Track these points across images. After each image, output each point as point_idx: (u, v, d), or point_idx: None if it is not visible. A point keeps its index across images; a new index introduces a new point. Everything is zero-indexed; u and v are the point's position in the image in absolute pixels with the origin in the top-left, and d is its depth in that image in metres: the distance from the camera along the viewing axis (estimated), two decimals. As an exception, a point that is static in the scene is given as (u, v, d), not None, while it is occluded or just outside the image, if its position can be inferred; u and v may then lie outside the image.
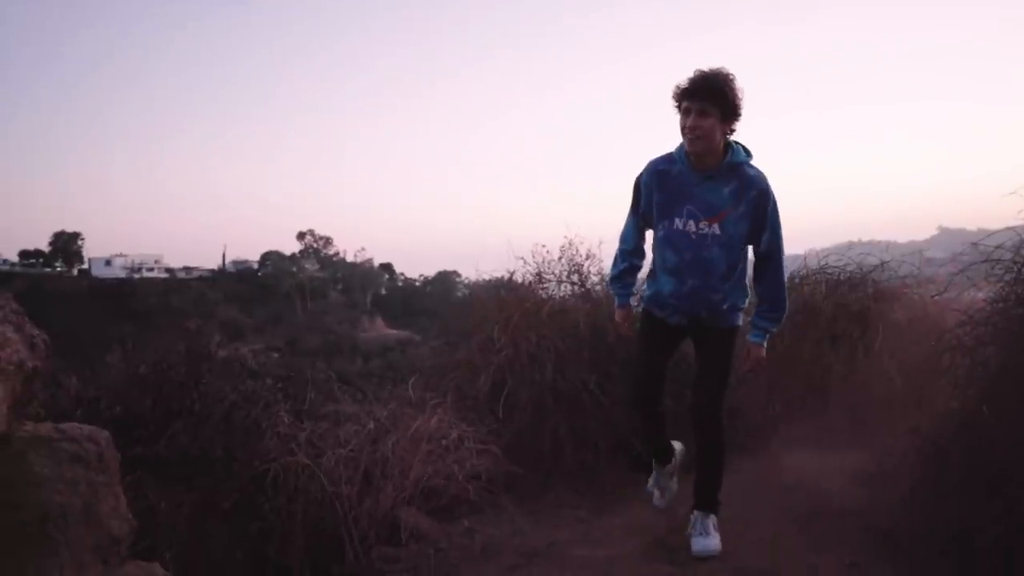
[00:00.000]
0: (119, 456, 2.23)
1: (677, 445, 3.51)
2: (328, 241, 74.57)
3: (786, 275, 3.17)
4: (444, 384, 4.43)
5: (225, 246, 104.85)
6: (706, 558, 3.05)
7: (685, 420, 3.29)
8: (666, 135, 3.23)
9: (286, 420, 3.59)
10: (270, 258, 71.63)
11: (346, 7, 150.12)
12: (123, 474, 2.30)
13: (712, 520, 3.15)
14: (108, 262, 67.40)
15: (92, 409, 3.29)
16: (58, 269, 67.29)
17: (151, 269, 69.00)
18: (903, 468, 3.07)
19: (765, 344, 3.18)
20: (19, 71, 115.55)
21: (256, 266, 72.50)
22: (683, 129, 2.99)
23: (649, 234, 3.29)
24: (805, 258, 5.07)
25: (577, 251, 4.97)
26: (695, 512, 3.17)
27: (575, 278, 4.97)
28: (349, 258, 74.92)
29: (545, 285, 4.97)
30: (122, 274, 65.76)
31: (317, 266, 72.53)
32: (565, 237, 4.99)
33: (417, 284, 75.73)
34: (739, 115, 2.97)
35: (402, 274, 78.25)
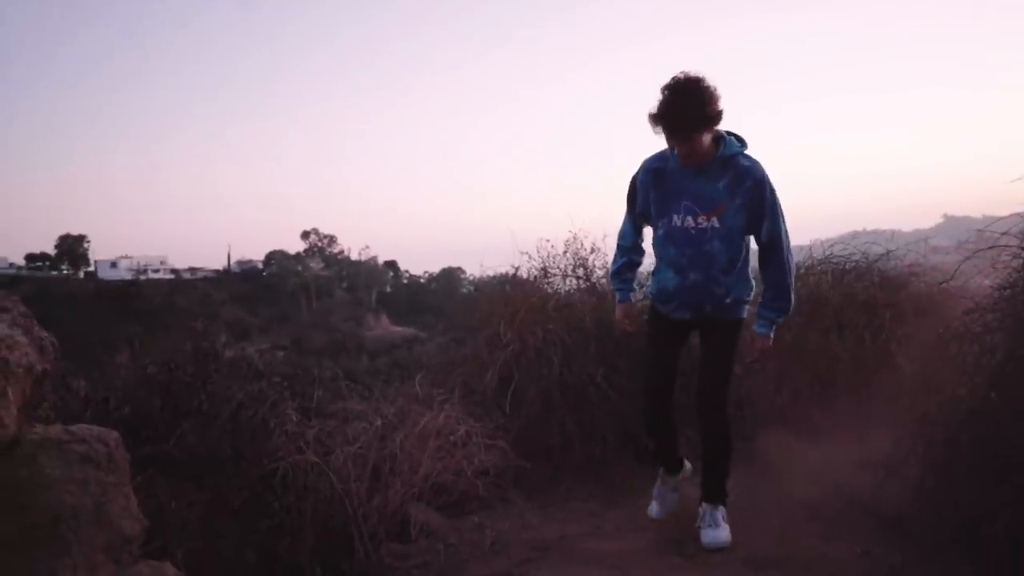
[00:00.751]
0: (129, 456, 2.25)
1: (687, 464, 3.47)
2: (332, 240, 74.70)
3: (793, 263, 3.15)
4: (451, 380, 4.45)
5: (230, 246, 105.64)
6: (716, 549, 3.06)
7: (691, 412, 3.30)
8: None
9: (294, 418, 3.59)
10: (275, 258, 71.79)
11: (342, 3, 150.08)
12: (133, 474, 2.31)
13: (721, 511, 3.15)
14: (114, 264, 67.65)
15: (101, 410, 3.30)
16: (64, 272, 67.52)
17: (156, 270, 69.26)
18: (912, 456, 3.07)
19: (772, 334, 3.17)
20: (19, 73, 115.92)
21: (261, 266, 72.68)
22: (671, 148, 3.00)
23: (648, 232, 3.29)
24: (811, 248, 5.07)
25: (582, 245, 4.98)
26: (703, 504, 3.18)
27: (580, 272, 4.97)
28: (354, 256, 75.07)
29: (550, 280, 4.98)
30: (128, 276, 65.97)
31: (322, 265, 72.61)
32: (569, 231, 5.01)
33: (422, 281, 75.80)
34: (721, 117, 2.90)
35: (407, 271, 78.33)
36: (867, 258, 4.91)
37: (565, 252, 5.00)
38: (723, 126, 2.96)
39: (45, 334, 2.20)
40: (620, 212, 3.39)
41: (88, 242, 68.97)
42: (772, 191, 3.01)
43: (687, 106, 2.81)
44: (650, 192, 3.13)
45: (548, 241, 5.03)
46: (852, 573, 2.80)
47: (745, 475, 3.54)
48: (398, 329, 59.40)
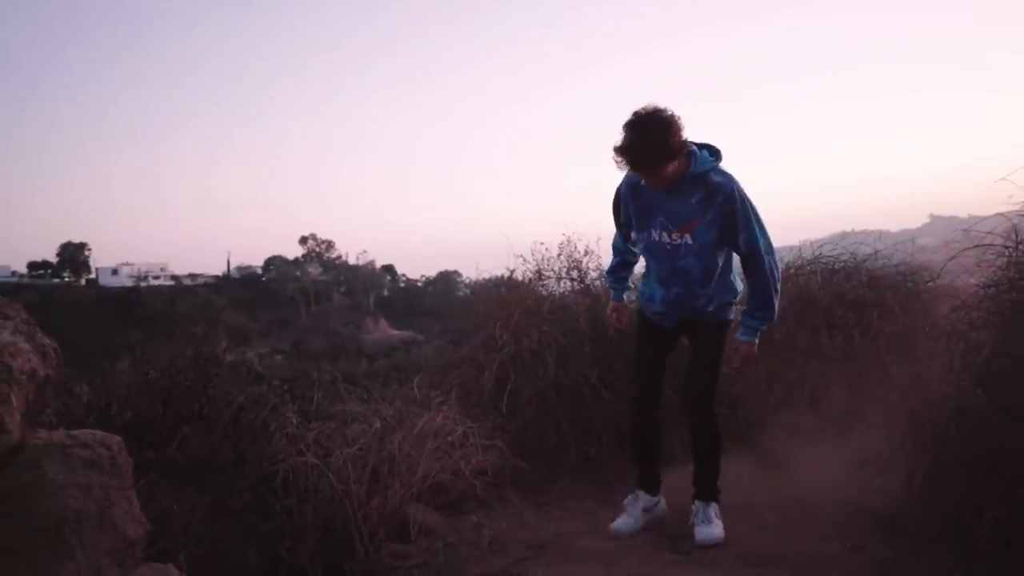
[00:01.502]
0: (131, 461, 2.28)
1: (663, 500, 3.41)
2: (330, 245, 74.48)
3: (779, 270, 3.13)
4: (448, 382, 4.49)
5: (229, 252, 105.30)
6: (710, 546, 3.10)
7: (680, 411, 3.35)
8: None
9: (294, 421, 3.63)
10: (274, 263, 71.64)
11: (338, 12, 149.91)
12: (136, 478, 2.34)
13: (714, 508, 3.20)
14: (115, 271, 67.50)
15: (104, 415, 3.33)
16: (66, 279, 67.39)
17: (157, 277, 69.08)
18: (901, 453, 3.10)
19: (756, 341, 3.19)
20: (19, 82, 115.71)
21: (260, 271, 72.55)
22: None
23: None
24: (800, 249, 5.11)
25: (576, 248, 5.03)
26: (696, 502, 3.22)
27: (574, 274, 5.02)
28: (351, 261, 74.80)
29: (545, 282, 5.03)
30: (129, 283, 65.77)
31: (320, 270, 72.45)
32: (563, 234, 5.05)
33: (419, 285, 75.56)
34: (685, 148, 2.93)
35: (404, 275, 78.10)
36: (855, 258, 4.95)
37: (559, 255, 5.06)
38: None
39: (47, 341, 2.23)
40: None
41: (89, 250, 68.81)
42: (744, 203, 3.00)
43: (649, 141, 2.85)
44: (631, 205, 3.18)
45: (543, 244, 5.08)
46: (844, 568, 2.82)
47: (738, 473, 3.57)
48: (396, 332, 59.23)
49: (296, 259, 72.36)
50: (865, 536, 3.01)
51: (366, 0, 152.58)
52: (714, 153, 3.04)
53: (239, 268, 73.42)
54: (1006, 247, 3.06)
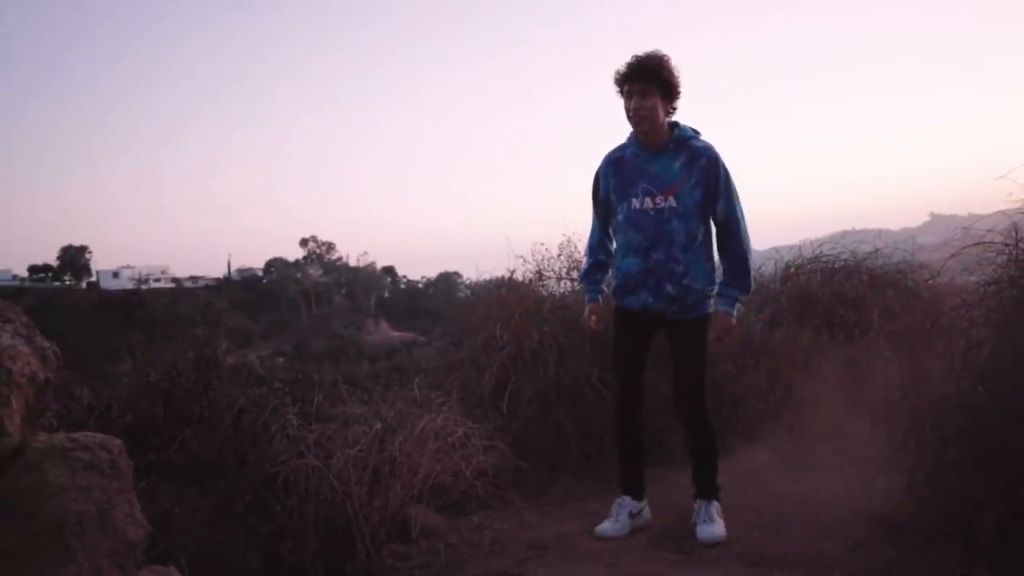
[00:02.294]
0: (132, 463, 2.27)
1: (647, 509, 3.41)
2: (331, 246, 74.68)
3: (751, 245, 3.27)
4: (449, 383, 4.48)
5: (230, 254, 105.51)
6: (712, 544, 3.10)
7: (670, 409, 3.37)
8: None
9: (295, 423, 3.62)
10: (274, 265, 71.78)
11: (336, 14, 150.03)
12: (137, 481, 2.33)
13: (715, 507, 3.20)
14: (116, 274, 67.63)
15: (104, 418, 3.33)
16: (67, 283, 67.47)
17: (158, 280, 69.22)
18: (903, 452, 3.10)
19: (735, 312, 3.27)
20: (19, 84, 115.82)
21: (261, 273, 72.69)
22: (628, 112, 3.16)
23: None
24: (801, 248, 5.12)
25: (576, 248, 5.02)
26: (697, 501, 3.23)
27: (574, 275, 5.01)
28: (352, 262, 74.96)
29: (545, 282, 5.03)
30: (130, 285, 65.94)
31: (321, 271, 72.56)
32: (563, 235, 5.06)
33: (420, 286, 75.67)
34: (678, 93, 3.16)
35: (404, 276, 78.30)
36: (856, 257, 4.96)
37: (559, 255, 5.07)
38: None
39: (47, 344, 2.23)
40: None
41: (90, 253, 68.98)
42: (726, 172, 3.19)
43: (650, 60, 3.12)
44: (611, 180, 3.29)
45: (543, 244, 5.09)
46: (846, 567, 2.82)
47: (740, 472, 3.58)
48: (397, 334, 59.30)
49: (297, 261, 72.54)
50: (867, 535, 3.00)
51: (367, 2, 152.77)
52: (694, 130, 3.24)
53: (240, 270, 73.56)
54: (1006, 245, 3.06)
